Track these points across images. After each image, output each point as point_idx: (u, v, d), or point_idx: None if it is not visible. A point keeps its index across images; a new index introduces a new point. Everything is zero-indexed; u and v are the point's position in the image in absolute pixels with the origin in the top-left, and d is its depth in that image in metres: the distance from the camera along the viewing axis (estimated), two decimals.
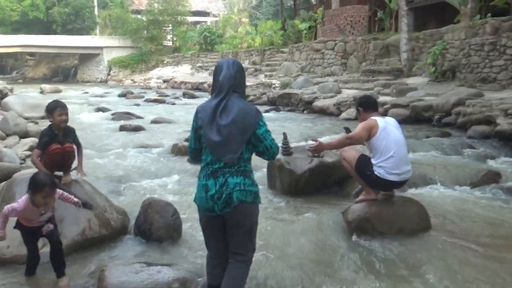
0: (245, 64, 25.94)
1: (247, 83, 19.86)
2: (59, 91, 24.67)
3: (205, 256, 3.18)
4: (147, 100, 18.99)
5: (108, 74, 36.84)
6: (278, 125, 11.16)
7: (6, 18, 37.51)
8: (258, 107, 14.03)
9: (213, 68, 18.56)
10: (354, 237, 4.30)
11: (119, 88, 27.37)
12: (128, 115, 13.05)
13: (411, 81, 14.76)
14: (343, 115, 12.37)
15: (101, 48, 37.23)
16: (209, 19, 44.94)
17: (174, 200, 5.15)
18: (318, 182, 5.66)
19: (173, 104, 17.75)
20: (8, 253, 3.80)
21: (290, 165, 5.60)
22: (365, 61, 18.30)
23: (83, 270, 3.70)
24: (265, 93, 17.25)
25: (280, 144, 5.92)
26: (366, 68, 17.46)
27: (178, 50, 37.24)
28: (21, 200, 3.30)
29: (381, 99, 12.44)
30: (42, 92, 23.74)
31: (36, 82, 35.23)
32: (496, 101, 9.42)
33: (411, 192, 5.62)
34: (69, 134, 4.33)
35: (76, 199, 3.51)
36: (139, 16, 37.45)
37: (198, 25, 40.01)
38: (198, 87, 24.86)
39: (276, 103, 15.79)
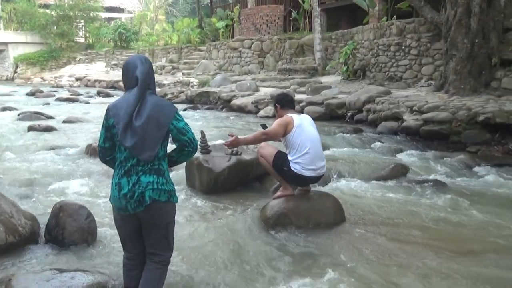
0: (162, 62, 25.51)
1: (165, 82, 19.47)
2: None
3: (121, 259, 3.09)
4: (59, 99, 18.05)
5: (15, 72, 34.51)
6: (197, 123, 11.09)
7: None
8: (177, 105, 13.88)
9: None
10: (273, 233, 4.38)
11: (27, 87, 25.73)
12: (38, 115, 12.31)
13: (325, 79, 15.29)
14: (261, 113, 12.54)
15: (5, 44, 34.79)
16: (124, 16, 43.58)
17: (89, 202, 4.96)
18: (237, 180, 5.69)
19: (87, 103, 17.03)
20: None
21: (208, 163, 5.58)
22: (281, 60, 18.68)
23: None
24: (183, 92, 17.07)
25: (198, 143, 5.91)
26: (282, 67, 17.83)
27: (91, 47, 35.75)
28: None
29: (297, 97, 12.77)
30: None
31: None
32: (403, 98, 10.00)
33: (326, 187, 5.83)
34: None
35: None
36: (47, 11, 35.48)
37: (112, 22, 38.68)
38: (113, 85, 24.04)
39: (194, 102, 15.68)
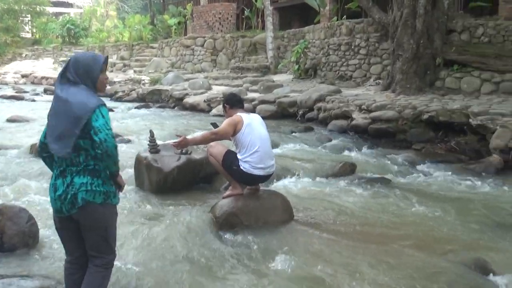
0: (113, 59, 24.94)
1: (116, 79, 19.02)
2: None
3: (63, 263, 3.00)
4: (2, 97, 17.34)
5: None
6: (148, 122, 10.93)
7: None
8: (128, 103, 13.55)
9: None
10: (222, 232, 4.37)
11: None
12: None
13: (277, 78, 15.41)
14: (214, 111, 12.48)
15: None
16: (72, 11, 42.34)
17: (30, 204, 4.79)
18: (187, 179, 5.65)
19: (33, 101, 16.43)
20: None
21: (157, 163, 5.51)
22: (234, 58, 18.67)
23: None
24: (134, 90, 16.78)
25: (147, 142, 5.83)
26: (235, 65, 17.82)
27: (38, 42, 34.49)
28: None
29: (250, 95, 12.82)
30: None
31: None
32: (352, 97, 10.22)
33: (276, 185, 5.87)
34: None
35: None
36: None
37: (61, 17, 37.49)
38: None
39: (146, 100, 15.45)
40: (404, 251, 4.02)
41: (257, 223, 4.46)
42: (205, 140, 4.68)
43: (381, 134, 8.63)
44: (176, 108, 14.03)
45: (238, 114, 4.63)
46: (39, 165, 6.56)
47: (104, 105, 2.73)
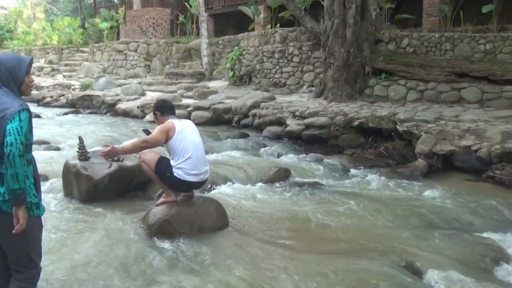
0: (41, 62, 23.89)
1: (44, 84, 18.17)
2: None
3: None
4: None
5: None
6: (78, 128, 10.55)
7: None
8: (57, 109, 12.98)
9: None
10: (155, 241, 4.29)
11: None
12: None
13: (213, 84, 15.39)
14: (147, 117, 12.24)
15: None
16: None
17: None
18: (119, 187, 5.49)
19: None
20: None
21: (87, 170, 5.32)
22: (168, 64, 18.45)
23: None
24: (63, 95, 16.15)
25: (76, 149, 5.61)
26: (169, 71, 17.61)
27: None
28: None
29: (185, 101, 12.71)
30: None
31: None
32: (286, 104, 10.38)
33: (211, 192, 5.84)
34: None
35: None
36: None
37: None
38: None
39: (76, 106, 14.91)
40: (336, 256, 4.11)
41: (191, 230, 4.41)
42: (135, 149, 4.57)
43: (314, 140, 8.83)
44: (108, 114, 13.64)
45: (170, 120, 4.57)
46: None
47: (27, 109, 2.58)
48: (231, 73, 14.81)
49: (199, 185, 4.71)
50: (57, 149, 8.18)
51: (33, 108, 13.14)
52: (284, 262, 3.94)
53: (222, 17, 19.59)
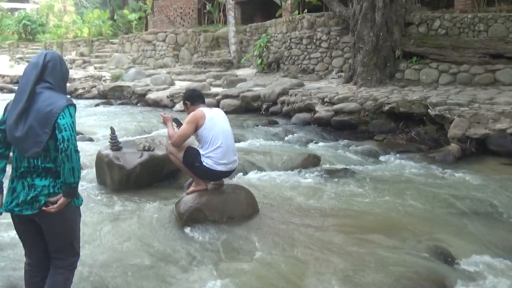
0: (72, 55, 24.35)
1: (75, 76, 18.55)
2: None
3: (22, 264, 2.91)
4: None
5: None
6: (110, 119, 10.73)
7: None
8: (89, 101, 13.22)
9: None
10: (187, 229, 4.33)
11: None
12: None
13: (241, 72, 15.39)
14: (177, 106, 12.35)
15: None
16: (29, 6, 41.02)
17: None
18: (150, 176, 5.57)
19: None
20: None
21: (119, 160, 5.41)
22: (196, 53, 18.53)
23: None
24: (95, 86, 16.42)
25: (108, 139, 5.71)
26: (197, 60, 17.70)
27: None
28: None
29: (213, 90, 12.76)
30: None
31: None
32: (315, 90, 10.30)
33: (240, 179, 5.87)
34: None
35: None
36: None
37: (16, 12, 36.31)
38: (18, 81, 22.60)
39: (107, 97, 15.13)
40: (369, 243, 4.07)
41: (222, 218, 4.45)
42: (173, 137, 4.59)
43: (344, 126, 8.75)
44: (138, 104, 13.81)
45: (200, 109, 4.59)
46: None
47: (73, 105, 2.67)
48: (259, 61, 14.77)
49: (227, 174, 4.73)
50: (90, 139, 8.34)
51: None
52: (316, 249, 3.94)
53: (249, 4, 19.51)
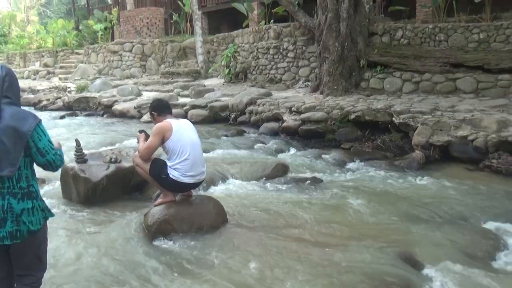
0: (36, 66, 23.86)
1: (39, 87, 18.17)
2: None
3: None
4: None
5: None
6: (76, 131, 10.54)
7: None
8: (53, 112, 12.94)
9: None
10: (155, 241, 4.29)
11: None
12: None
13: (208, 82, 15.40)
14: (144, 117, 12.23)
15: None
16: None
17: None
18: (117, 189, 5.50)
19: None
20: None
21: (85, 172, 5.33)
22: (163, 63, 18.45)
23: None
24: (60, 98, 16.11)
25: (73, 152, 5.61)
26: (165, 70, 17.62)
27: None
28: None
29: (181, 100, 12.72)
30: None
31: None
32: (282, 99, 10.40)
33: (209, 190, 5.86)
34: None
35: None
36: None
37: None
38: None
39: (73, 108, 14.88)
40: (336, 249, 4.12)
41: (191, 229, 4.42)
42: (143, 154, 4.55)
43: (311, 135, 8.85)
44: (105, 115, 13.62)
45: (167, 120, 4.56)
46: None
47: (40, 120, 2.66)
48: (227, 71, 14.81)
49: (195, 186, 4.71)
50: None
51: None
52: (284, 256, 3.96)
53: (216, 14, 19.58)
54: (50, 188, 6.00)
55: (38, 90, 17.81)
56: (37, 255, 2.71)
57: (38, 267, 2.75)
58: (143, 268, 3.84)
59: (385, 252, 4.02)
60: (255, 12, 16.07)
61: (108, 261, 3.95)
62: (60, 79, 20.64)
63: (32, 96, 16.64)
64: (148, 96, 14.28)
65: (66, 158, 6.40)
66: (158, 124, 4.53)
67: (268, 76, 13.56)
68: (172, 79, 16.68)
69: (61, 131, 10.83)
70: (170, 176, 4.44)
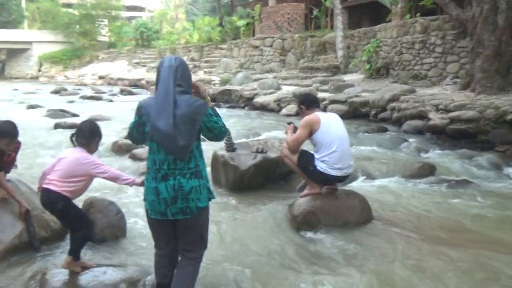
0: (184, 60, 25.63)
1: None
2: None
3: (152, 254, 3.11)
4: (83, 97, 18.34)
5: (39, 70, 35.20)
6: None
7: None
8: None
9: (150, 64, 18.31)
10: (300, 231, 4.35)
11: (51, 85, 26.25)
12: (63, 113, 12.52)
13: (348, 77, 15.20)
14: (284, 111, 12.53)
15: (30, 42, 35.48)
16: (144, 14, 44.01)
17: (118, 198, 5.00)
18: (263, 178, 5.68)
19: (111, 101, 17.23)
20: None
21: (234, 161, 5.60)
22: (303, 58, 18.61)
23: (23, 274, 3.50)
24: (205, 90, 17.11)
25: (223, 141, 5.91)
26: (304, 65, 17.77)
27: (113, 45, 36.20)
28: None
29: (320, 95, 12.72)
30: None
31: None
32: (428, 97, 9.87)
33: (351, 186, 5.78)
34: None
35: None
36: (70, 10, 36.00)
37: (133, 20, 39.10)
38: (135, 84, 24.33)
39: (216, 100, 15.72)
40: (488, 259, 3.80)
41: (336, 222, 4.41)
42: (291, 145, 4.66)
43: (460, 135, 8.27)
44: (246, 108, 14.18)
45: (315, 113, 4.59)
46: (121, 161, 6.90)
47: (209, 105, 2.94)
48: (368, 66, 14.47)
49: (341, 179, 4.67)
50: (203, 140, 8.70)
51: None
52: (433, 260, 3.76)
53: (356, 9, 19.21)
54: None
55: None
56: (200, 233, 2.91)
57: (200, 244, 2.96)
58: (287, 255, 3.92)
59: None
60: (400, 5, 15.43)
61: (254, 244, 4.10)
62: (205, 72, 21.97)
63: None
64: (287, 90, 14.54)
65: (216, 147, 6.82)
66: (307, 117, 4.58)
67: (411, 72, 12.95)
68: (311, 74, 16.78)
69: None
70: (318, 168, 4.46)
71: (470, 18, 10.69)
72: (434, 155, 7.44)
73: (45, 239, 4.03)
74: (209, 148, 7.46)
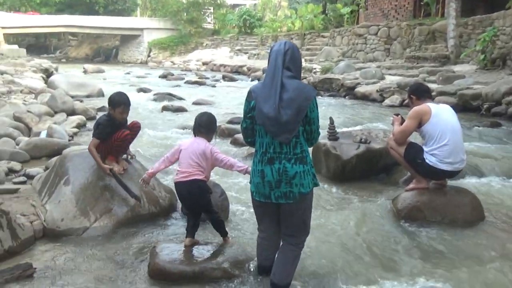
0: None
1: None
2: (101, 71, 25.17)
3: (253, 237, 3.16)
4: (188, 82, 19.10)
5: (148, 56, 37.30)
6: (321, 110, 11.01)
7: None
8: None
9: (252, 51, 18.64)
10: (404, 225, 4.21)
11: (159, 70, 27.69)
12: (170, 96, 13.14)
13: (458, 68, 14.33)
14: (386, 101, 12.12)
15: (141, 29, 37.68)
16: (248, 2, 44.75)
17: (222, 180, 5.15)
18: (365, 169, 5.54)
19: (214, 86, 17.78)
20: (63, 226, 3.90)
21: (336, 150, 5.51)
22: (409, 47, 17.85)
23: (133, 245, 3.74)
24: (305, 78, 17.06)
25: (326, 129, 5.85)
26: (410, 54, 17.03)
27: (217, 33, 37.28)
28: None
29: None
30: (85, 72, 24.29)
31: (79, 62, 36.09)
32: None
33: (460, 182, 5.45)
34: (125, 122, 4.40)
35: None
36: None
37: (237, 8, 39.92)
38: (237, 70, 24.87)
39: (316, 88, 15.56)
40: None
41: (443, 220, 4.21)
42: (396, 134, 4.51)
43: None
44: (346, 97, 13.92)
45: (426, 104, 4.39)
46: (224, 145, 7.11)
47: (317, 93, 2.90)
48: (482, 56, 13.50)
49: (451, 174, 4.44)
50: None
51: None
52: None
53: None
54: None
55: None
56: (302, 218, 2.91)
57: (302, 230, 2.96)
58: (390, 248, 3.81)
59: None
60: None
61: (357, 235, 4.03)
62: (305, 60, 21.85)
63: None
64: (391, 80, 14.02)
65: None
66: (416, 107, 4.39)
67: None
68: (417, 63, 16.03)
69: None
70: (426, 161, 4.27)
71: None
72: None
73: (155, 214, 4.28)
74: None
